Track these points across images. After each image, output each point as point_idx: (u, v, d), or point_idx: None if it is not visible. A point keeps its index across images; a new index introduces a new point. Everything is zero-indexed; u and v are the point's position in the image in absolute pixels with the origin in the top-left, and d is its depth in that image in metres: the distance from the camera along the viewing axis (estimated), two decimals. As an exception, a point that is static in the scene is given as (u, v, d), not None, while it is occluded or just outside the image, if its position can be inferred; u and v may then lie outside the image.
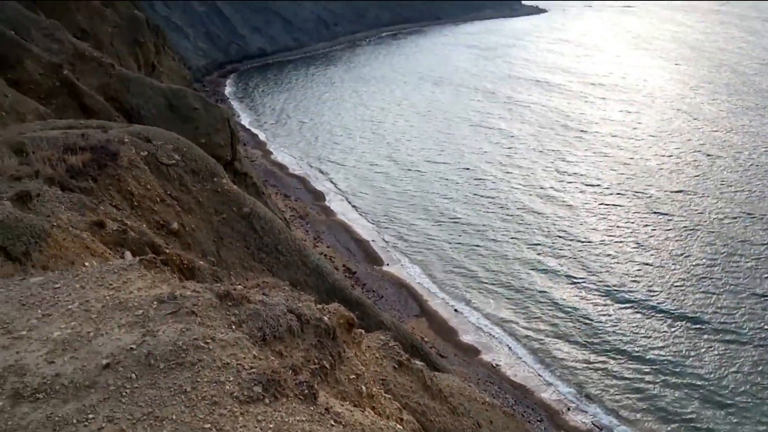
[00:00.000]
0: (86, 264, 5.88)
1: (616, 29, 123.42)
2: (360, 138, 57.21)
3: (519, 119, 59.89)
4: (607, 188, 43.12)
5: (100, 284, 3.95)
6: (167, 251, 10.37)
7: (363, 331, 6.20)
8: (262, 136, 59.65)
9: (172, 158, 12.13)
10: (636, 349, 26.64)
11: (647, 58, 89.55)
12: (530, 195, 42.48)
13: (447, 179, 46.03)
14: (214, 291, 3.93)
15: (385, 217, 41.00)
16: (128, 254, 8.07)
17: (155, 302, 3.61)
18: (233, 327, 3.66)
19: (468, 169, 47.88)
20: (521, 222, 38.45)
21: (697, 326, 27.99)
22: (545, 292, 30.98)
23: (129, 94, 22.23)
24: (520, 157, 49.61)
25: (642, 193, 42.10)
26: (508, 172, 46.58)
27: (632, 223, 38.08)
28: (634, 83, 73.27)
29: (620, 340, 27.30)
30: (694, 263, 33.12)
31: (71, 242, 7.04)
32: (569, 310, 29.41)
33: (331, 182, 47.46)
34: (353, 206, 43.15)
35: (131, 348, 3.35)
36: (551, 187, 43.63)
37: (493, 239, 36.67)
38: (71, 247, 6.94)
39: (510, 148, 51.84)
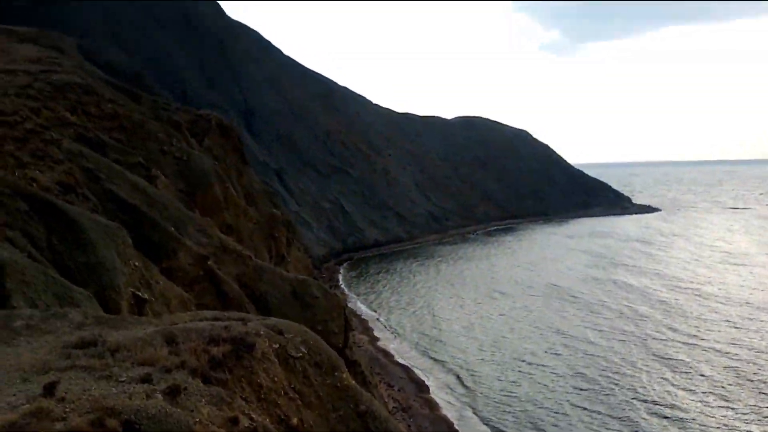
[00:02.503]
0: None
1: (747, 232, 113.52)
2: (462, 333, 55.99)
3: (623, 337, 52.19)
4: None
5: None
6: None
7: None
8: (369, 322, 60.74)
9: (299, 351, 12.54)
10: None
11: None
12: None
13: (554, 386, 42.48)
14: None
15: (494, 418, 38.10)
16: (256, 454, 8.05)
17: None
18: None
19: (578, 377, 44.18)
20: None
21: None
22: None
23: (261, 282, 24.09)
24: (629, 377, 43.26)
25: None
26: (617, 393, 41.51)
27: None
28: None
29: None
30: None
31: (209, 440, 7.20)
32: None
33: (435, 375, 45.93)
34: (459, 402, 40.84)
35: None
36: (669, 405, 38.33)
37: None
38: (209, 446, 7.07)
39: (617, 365, 45.53)
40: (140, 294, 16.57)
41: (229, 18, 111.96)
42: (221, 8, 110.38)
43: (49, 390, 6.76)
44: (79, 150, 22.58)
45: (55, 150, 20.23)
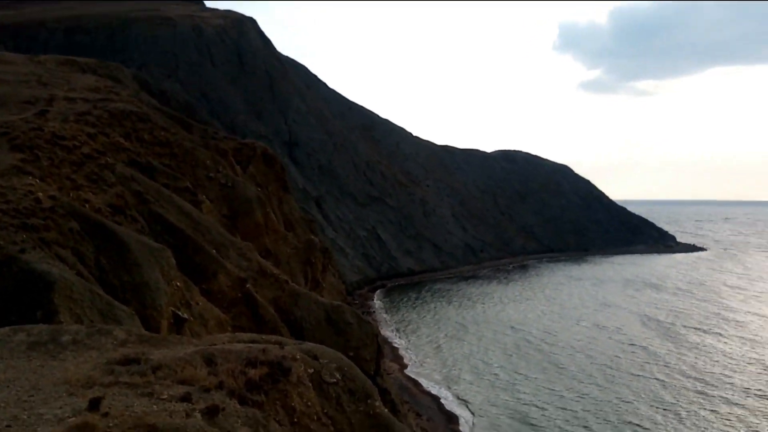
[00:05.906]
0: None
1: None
2: (496, 366, 54.61)
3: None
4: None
5: None
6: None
7: None
8: (400, 350, 60.17)
9: (333, 377, 12.55)
10: None
11: None
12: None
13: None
14: None
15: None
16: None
17: None
18: None
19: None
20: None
21: None
22: None
23: (296, 307, 24.29)
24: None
25: None
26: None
27: None
28: None
29: None
30: None
31: (244, 462, 7.27)
32: None
33: (466, 407, 44.99)
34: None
35: None
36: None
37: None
38: (244, 468, 7.14)
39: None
40: (180, 314, 16.96)
41: (278, 53, 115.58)
42: (272, 45, 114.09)
43: (94, 405, 6.98)
44: (131, 174, 23.53)
45: (108, 174, 21.13)
